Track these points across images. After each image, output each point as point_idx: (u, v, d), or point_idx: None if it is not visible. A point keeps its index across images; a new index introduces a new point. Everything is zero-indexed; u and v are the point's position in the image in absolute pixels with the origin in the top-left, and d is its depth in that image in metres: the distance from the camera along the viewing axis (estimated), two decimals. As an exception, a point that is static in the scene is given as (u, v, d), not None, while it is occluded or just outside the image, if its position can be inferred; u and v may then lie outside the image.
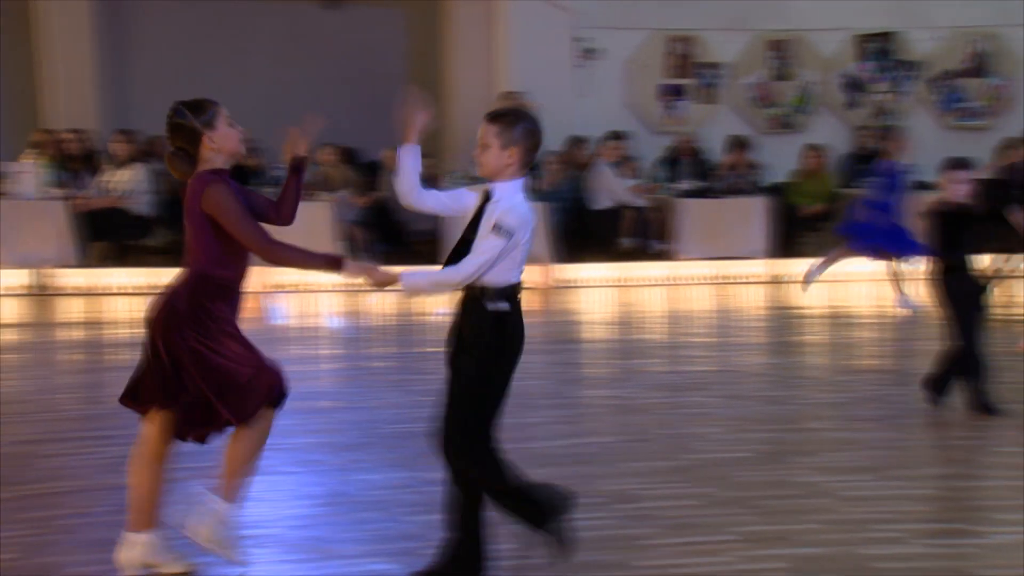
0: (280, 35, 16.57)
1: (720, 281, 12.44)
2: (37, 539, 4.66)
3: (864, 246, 10.81)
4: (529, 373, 8.19)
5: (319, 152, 13.47)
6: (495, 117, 4.16)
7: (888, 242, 10.52)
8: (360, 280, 4.26)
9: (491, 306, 4.04)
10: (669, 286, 12.86)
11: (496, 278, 4.04)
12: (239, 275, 4.28)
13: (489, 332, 4.06)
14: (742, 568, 4.33)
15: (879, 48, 15.86)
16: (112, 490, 5.31)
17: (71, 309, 11.15)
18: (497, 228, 3.99)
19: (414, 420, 6.23)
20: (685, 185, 13.99)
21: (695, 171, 14.41)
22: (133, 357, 9.29)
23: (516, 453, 5.84)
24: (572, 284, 12.77)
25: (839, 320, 10.58)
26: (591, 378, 8.18)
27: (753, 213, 13.16)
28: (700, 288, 12.77)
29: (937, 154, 15.45)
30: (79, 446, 6.13)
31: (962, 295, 6.65)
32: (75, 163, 13.26)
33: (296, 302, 11.58)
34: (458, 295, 4.13)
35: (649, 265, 13.14)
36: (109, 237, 12.90)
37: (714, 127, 15.24)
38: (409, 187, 4.24)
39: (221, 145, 4.23)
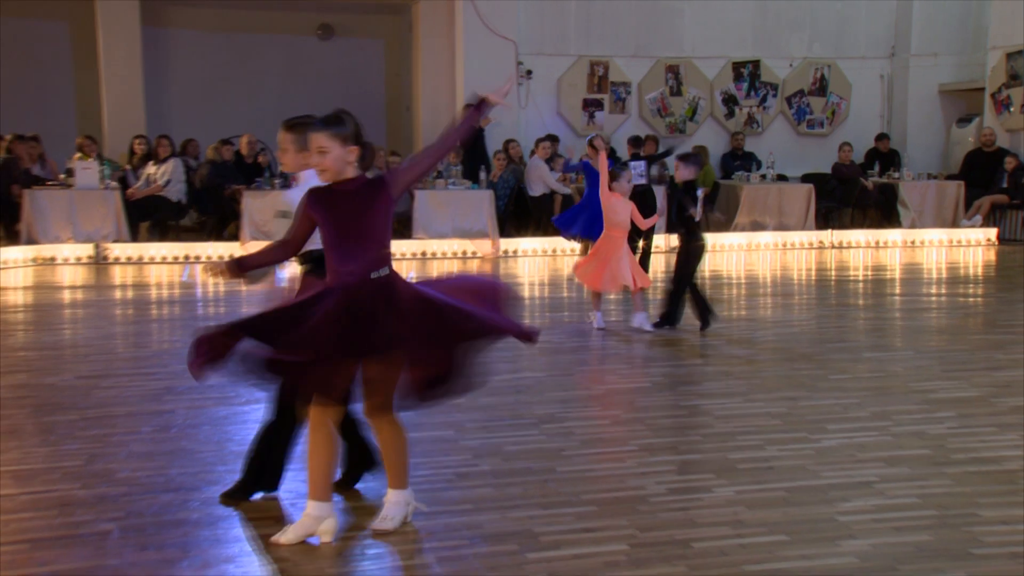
0: (284, 61, 16.47)
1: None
2: (97, 451, 4.63)
3: (569, 233, 10.13)
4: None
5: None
6: None
7: (584, 228, 9.77)
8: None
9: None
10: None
11: None
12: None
13: None
14: (640, 471, 4.38)
15: (749, 72, 15.94)
16: (154, 415, 5.29)
17: (123, 275, 10.98)
18: None
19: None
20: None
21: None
22: (170, 312, 9.17)
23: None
24: (513, 254, 12.77)
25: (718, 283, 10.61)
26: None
27: (660, 197, 12.94)
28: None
29: (792, 154, 15.74)
30: (128, 380, 6.07)
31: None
32: (136, 160, 13.20)
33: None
34: None
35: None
36: (153, 218, 12.75)
37: (624, 132, 15.32)
38: None
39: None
